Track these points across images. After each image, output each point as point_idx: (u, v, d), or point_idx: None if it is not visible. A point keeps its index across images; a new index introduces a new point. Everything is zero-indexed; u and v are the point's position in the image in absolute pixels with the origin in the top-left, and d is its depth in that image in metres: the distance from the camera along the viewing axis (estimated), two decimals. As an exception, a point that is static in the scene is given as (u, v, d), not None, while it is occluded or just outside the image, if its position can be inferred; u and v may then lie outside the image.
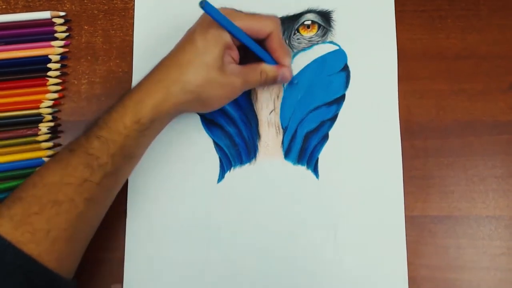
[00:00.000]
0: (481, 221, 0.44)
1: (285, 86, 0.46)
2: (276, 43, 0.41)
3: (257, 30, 0.40)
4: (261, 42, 0.41)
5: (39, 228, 0.35)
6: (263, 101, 0.46)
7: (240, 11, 0.40)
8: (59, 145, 0.46)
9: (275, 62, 0.42)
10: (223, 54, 0.38)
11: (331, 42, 0.47)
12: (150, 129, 0.38)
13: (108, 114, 0.38)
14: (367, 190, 0.44)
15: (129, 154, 0.39)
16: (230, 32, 0.38)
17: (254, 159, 0.45)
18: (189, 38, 0.39)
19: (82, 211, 0.37)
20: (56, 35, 0.48)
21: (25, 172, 0.45)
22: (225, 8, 0.39)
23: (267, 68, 0.42)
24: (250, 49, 0.41)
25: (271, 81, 0.42)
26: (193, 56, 0.38)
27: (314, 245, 0.44)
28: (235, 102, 0.46)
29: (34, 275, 0.34)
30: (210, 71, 0.38)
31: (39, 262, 0.34)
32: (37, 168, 0.38)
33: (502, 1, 0.46)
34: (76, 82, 0.48)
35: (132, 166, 0.41)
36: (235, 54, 0.40)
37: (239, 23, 0.38)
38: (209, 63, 0.38)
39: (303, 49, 0.47)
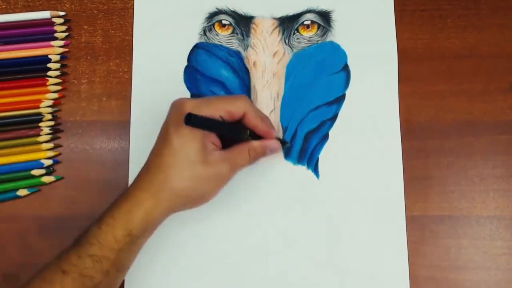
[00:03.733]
0: (482, 221, 0.44)
1: (285, 86, 0.46)
2: (254, 119, 0.39)
3: (232, 112, 0.38)
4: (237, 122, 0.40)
5: None
6: (263, 101, 0.46)
7: (207, 97, 0.41)
8: (59, 146, 0.46)
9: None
10: (203, 145, 0.36)
11: (331, 42, 0.47)
12: (141, 237, 0.37)
13: (98, 228, 0.36)
14: (367, 190, 0.44)
15: (122, 266, 0.37)
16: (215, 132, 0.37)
17: (254, 159, 0.45)
18: (164, 139, 0.37)
19: None
20: (56, 35, 0.48)
21: (24, 174, 0.45)
22: (191, 99, 0.38)
23: (255, 145, 0.39)
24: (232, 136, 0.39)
25: (261, 157, 0.41)
26: (172, 158, 0.36)
27: (314, 245, 0.44)
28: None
29: None
30: (194, 168, 0.36)
31: None
32: (25, 282, 0.36)
33: (503, 1, 0.47)
34: (76, 82, 0.47)
35: (125, 273, 0.39)
36: (215, 139, 0.38)
37: (212, 111, 0.37)
38: (190, 160, 0.36)
39: (303, 49, 0.47)
